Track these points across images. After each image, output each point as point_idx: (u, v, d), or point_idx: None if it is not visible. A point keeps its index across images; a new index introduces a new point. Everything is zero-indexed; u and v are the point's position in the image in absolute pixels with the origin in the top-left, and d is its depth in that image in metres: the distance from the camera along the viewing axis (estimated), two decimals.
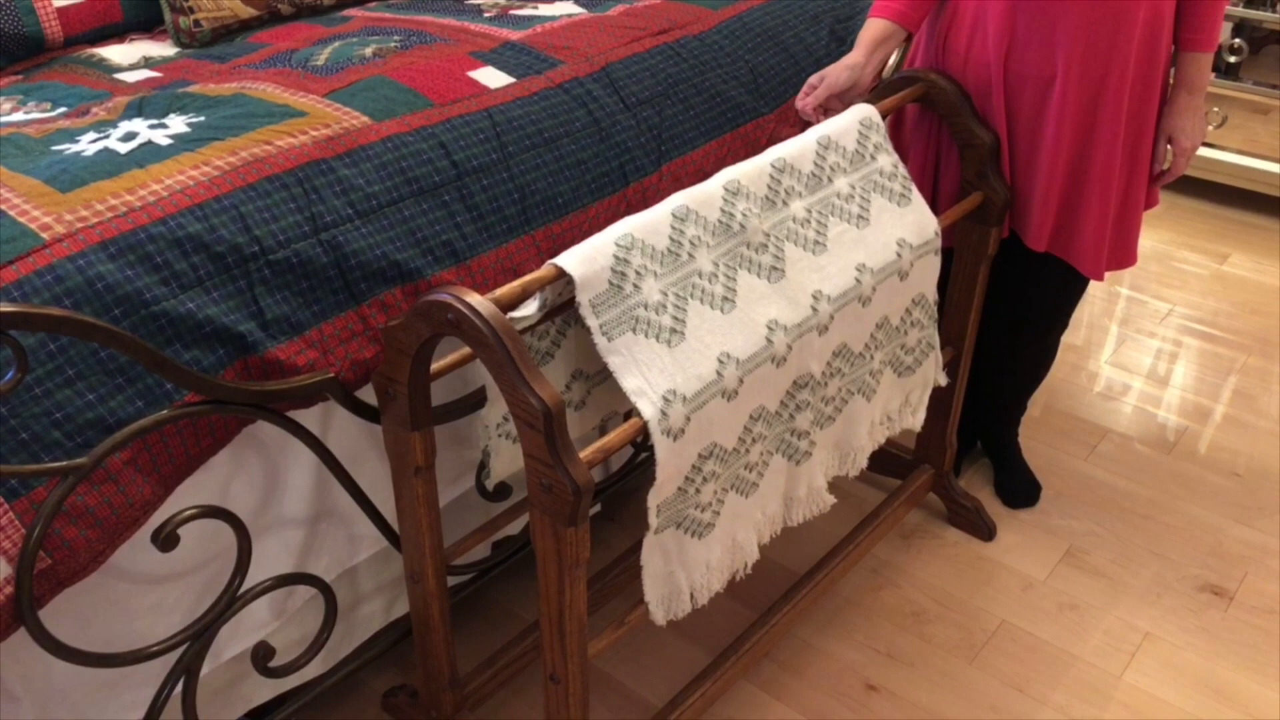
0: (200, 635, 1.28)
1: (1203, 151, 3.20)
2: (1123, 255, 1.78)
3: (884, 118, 1.60)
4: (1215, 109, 3.14)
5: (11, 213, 1.18)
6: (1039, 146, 1.67)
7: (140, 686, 1.31)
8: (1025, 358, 2.00)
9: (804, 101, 1.70)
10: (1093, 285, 2.36)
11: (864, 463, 1.62)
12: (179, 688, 1.29)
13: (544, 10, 1.87)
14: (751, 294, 1.33)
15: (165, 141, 1.34)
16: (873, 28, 1.66)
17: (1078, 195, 1.70)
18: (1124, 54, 1.59)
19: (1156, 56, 1.63)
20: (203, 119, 1.41)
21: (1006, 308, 1.92)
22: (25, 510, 1.07)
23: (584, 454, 1.13)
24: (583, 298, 1.19)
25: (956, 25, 1.68)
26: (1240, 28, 3.08)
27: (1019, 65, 1.63)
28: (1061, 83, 1.61)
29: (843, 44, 1.89)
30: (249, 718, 1.51)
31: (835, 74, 1.65)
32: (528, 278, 1.19)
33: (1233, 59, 3.09)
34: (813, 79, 1.70)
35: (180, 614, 1.32)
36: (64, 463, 1.08)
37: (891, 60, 2.05)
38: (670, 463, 1.22)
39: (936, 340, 1.69)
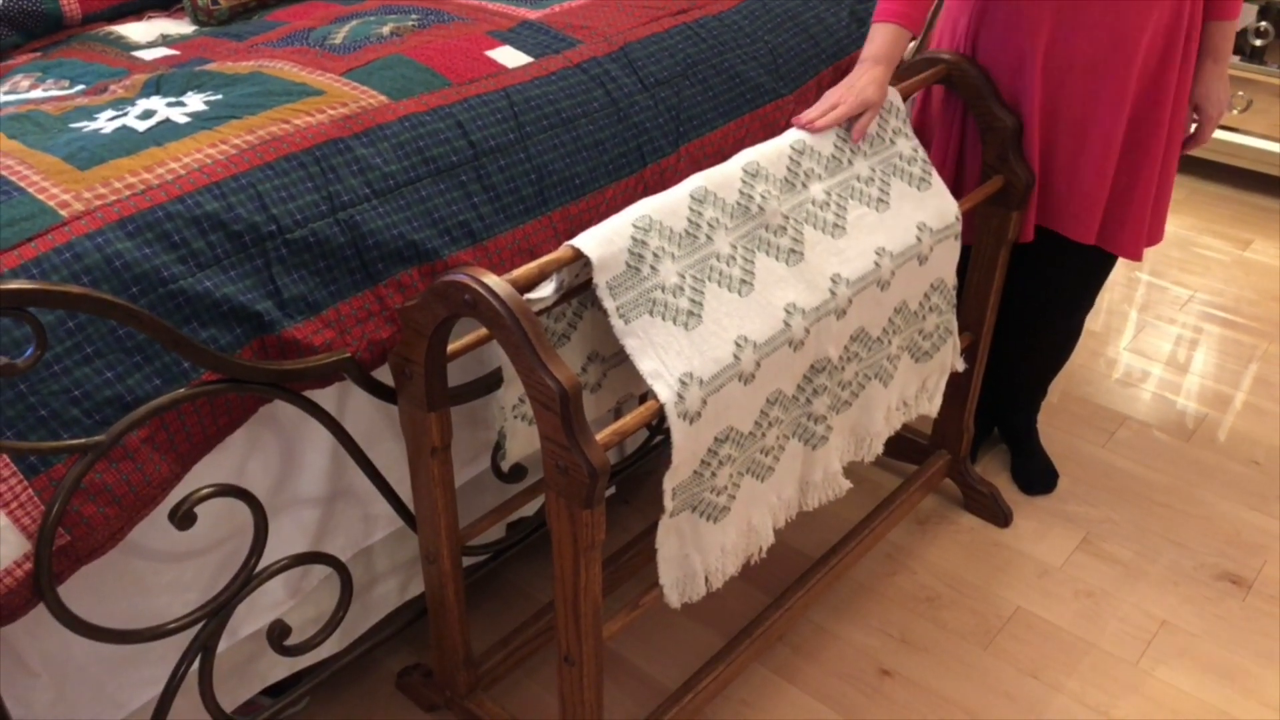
0: (217, 613, 1.28)
1: (1226, 136, 3.17)
2: (1154, 231, 1.78)
3: (905, 100, 1.58)
4: (1240, 93, 3.10)
5: (30, 190, 1.18)
6: (1088, 137, 1.66)
7: (157, 663, 1.32)
8: (1048, 342, 1.98)
9: (829, 117, 1.46)
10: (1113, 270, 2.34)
11: (880, 448, 1.62)
12: (196, 664, 1.30)
13: None
14: (769, 277, 1.32)
15: (183, 120, 1.33)
16: (885, 34, 1.51)
17: (1130, 182, 1.70)
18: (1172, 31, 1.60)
19: (1194, 27, 1.63)
20: (220, 97, 1.40)
21: (1031, 291, 1.90)
22: (44, 487, 1.08)
23: (600, 436, 1.13)
24: (600, 279, 1.19)
25: (988, 21, 1.66)
26: (1266, 11, 3.04)
27: (1063, 53, 1.62)
28: (1123, 67, 1.60)
29: (863, 25, 1.87)
30: (265, 695, 1.52)
31: (875, 95, 1.48)
32: (545, 259, 1.19)
33: (1258, 42, 3.05)
34: (837, 95, 1.48)
35: (197, 591, 1.32)
36: (82, 440, 1.08)
37: (912, 43, 2.03)
38: (686, 446, 1.21)
39: (954, 326, 1.68)
